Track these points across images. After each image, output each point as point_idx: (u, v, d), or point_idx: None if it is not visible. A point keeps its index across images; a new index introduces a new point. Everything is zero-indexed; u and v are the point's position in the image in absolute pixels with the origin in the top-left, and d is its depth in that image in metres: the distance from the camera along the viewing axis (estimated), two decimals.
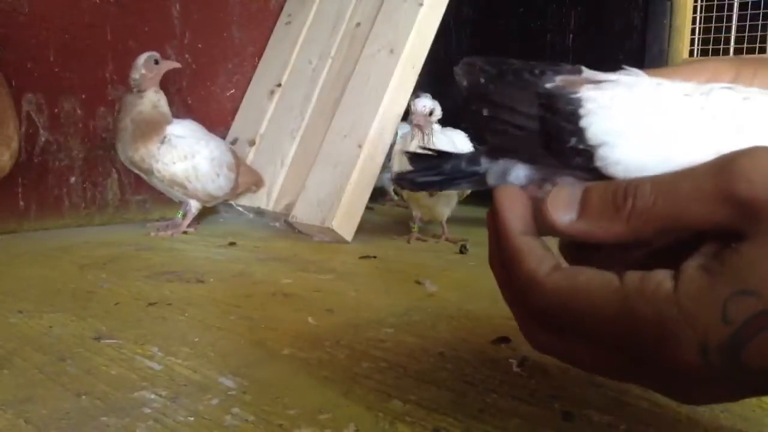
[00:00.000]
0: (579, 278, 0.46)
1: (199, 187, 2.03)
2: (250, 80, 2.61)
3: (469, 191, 2.12)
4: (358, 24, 2.31)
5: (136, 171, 2.03)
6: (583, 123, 0.46)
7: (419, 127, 1.94)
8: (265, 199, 2.29)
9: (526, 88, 0.50)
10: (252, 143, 2.43)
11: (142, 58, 1.96)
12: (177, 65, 2.05)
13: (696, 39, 2.58)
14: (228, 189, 2.13)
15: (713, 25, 2.52)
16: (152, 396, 0.81)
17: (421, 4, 2.10)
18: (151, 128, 1.94)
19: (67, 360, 0.93)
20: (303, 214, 2.05)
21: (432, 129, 1.95)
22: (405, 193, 2.07)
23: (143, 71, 1.96)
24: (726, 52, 2.50)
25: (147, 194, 2.33)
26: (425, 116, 1.93)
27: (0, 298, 1.24)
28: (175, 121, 2.02)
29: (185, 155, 1.98)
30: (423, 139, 1.94)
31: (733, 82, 0.51)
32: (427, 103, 1.95)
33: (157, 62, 1.98)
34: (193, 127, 2.07)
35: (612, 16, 2.79)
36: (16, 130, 1.69)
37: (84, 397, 0.80)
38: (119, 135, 1.97)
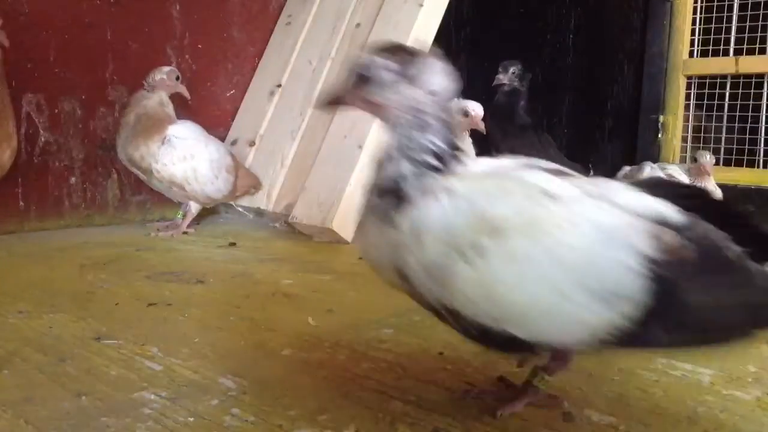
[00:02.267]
0: None
1: (198, 188, 2.04)
2: (250, 81, 2.61)
3: None
4: (358, 24, 2.32)
5: (135, 170, 2.03)
6: None
7: (479, 127, 1.98)
8: (265, 200, 2.29)
9: None
10: (252, 144, 2.43)
11: (169, 68, 2.03)
12: (187, 95, 2.09)
13: (696, 39, 2.58)
14: (226, 191, 2.13)
15: (713, 25, 2.52)
16: (152, 396, 0.81)
17: (421, 5, 2.10)
18: (153, 125, 1.95)
19: (67, 360, 0.93)
20: (303, 214, 2.05)
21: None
22: None
23: (164, 77, 2.00)
24: (726, 52, 2.50)
25: (147, 195, 2.33)
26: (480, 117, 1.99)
27: (0, 298, 1.25)
28: (177, 122, 2.03)
29: (185, 156, 1.99)
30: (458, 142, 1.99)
31: None
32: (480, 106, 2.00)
33: (178, 78, 2.04)
34: (193, 128, 2.07)
35: (612, 16, 2.79)
36: (15, 128, 1.70)
37: (84, 397, 0.80)
38: (121, 130, 1.97)
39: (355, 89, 0.74)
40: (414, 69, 0.71)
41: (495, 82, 2.31)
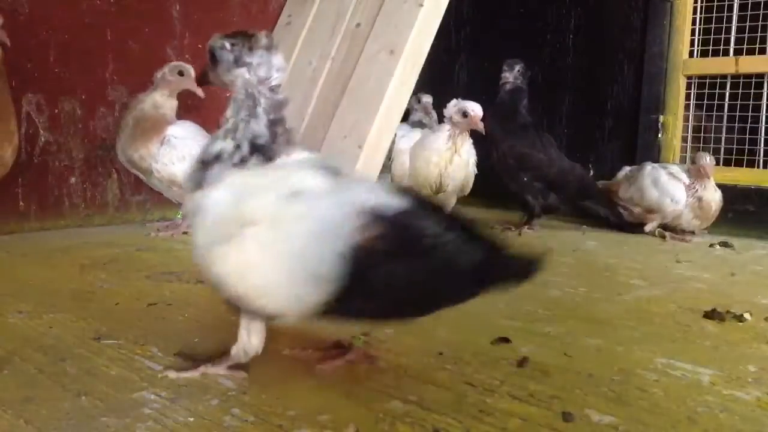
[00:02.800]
0: None
1: None
2: None
3: (468, 191, 2.12)
4: (358, 24, 2.31)
5: (135, 171, 2.04)
6: None
7: (478, 128, 2.00)
8: None
9: None
10: None
11: (172, 64, 2.01)
12: (198, 93, 2.00)
13: (696, 39, 2.58)
14: None
15: (713, 25, 2.52)
16: (152, 396, 0.81)
17: (421, 5, 2.10)
18: (151, 127, 1.95)
19: (67, 360, 0.93)
20: None
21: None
22: None
23: (166, 71, 1.99)
24: (726, 52, 2.50)
25: (147, 195, 2.33)
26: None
27: (0, 298, 1.25)
28: (175, 122, 2.04)
29: (184, 156, 1.99)
30: (460, 144, 2.01)
31: None
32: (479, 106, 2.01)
33: (181, 74, 2.01)
34: (192, 128, 2.07)
35: (612, 16, 2.79)
36: (17, 125, 1.71)
37: (84, 397, 0.80)
38: (121, 132, 1.98)
39: (210, 69, 0.86)
40: (251, 57, 0.81)
41: (501, 81, 2.31)
